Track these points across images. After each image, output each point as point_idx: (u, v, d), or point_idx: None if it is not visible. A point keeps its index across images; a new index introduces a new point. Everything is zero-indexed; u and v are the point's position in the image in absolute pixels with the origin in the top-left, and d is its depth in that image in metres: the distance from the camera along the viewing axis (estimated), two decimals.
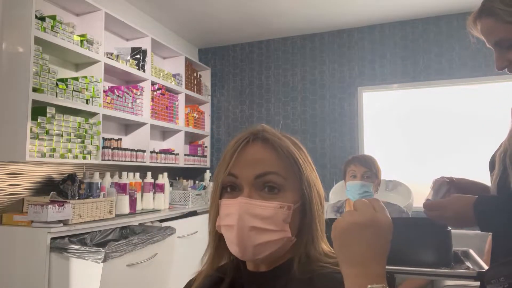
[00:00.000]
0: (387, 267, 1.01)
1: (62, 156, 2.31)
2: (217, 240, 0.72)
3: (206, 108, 4.20)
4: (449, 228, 1.10)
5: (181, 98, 3.67)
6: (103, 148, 2.68)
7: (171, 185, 3.37)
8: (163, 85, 3.39)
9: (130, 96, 2.97)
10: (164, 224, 2.69)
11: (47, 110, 2.22)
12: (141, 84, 3.14)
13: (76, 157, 2.40)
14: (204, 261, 0.74)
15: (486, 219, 0.93)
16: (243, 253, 0.65)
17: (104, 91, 2.72)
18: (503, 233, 0.92)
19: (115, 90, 2.84)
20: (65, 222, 2.09)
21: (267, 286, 0.68)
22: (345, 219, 0.56)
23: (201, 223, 3.05)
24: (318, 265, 0.65)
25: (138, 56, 3.11)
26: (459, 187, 1.14)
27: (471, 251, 1.18)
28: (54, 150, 2.26)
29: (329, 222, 1.27)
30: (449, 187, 1.13)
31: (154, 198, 3.07)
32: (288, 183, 0.67)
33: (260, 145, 0.68)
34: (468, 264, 1.12)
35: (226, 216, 0.66)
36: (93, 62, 2.65)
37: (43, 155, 2.19)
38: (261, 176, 0.66)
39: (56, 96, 2.29)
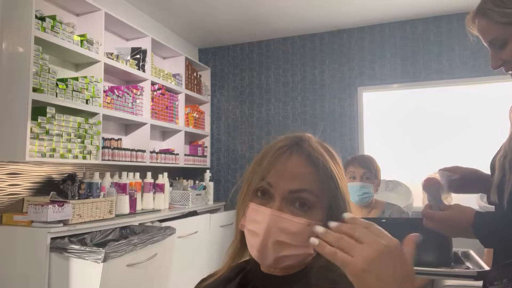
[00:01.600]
0: None
1: (62, 156, 2.31)
2: (241, 237, 0.73)
3: (206, 108, 4.20)
4: None
5: (181, 98, 3.67)
6: (103, 148, 2.68)
7: (171, 185, 3.37)
8: (163, 85, 3.39)
9: (130, 96, 2.97)
10: (164, 224, 2.69)
11: (47, 110, 2.22)
12: (141, 84, 3.14)
13: (76, 157, 2.40)
14: (228, 254, 0.76)
15: (486, 238, 0.93)
16: (262, 260, 0.67)
17: (104, 91, 2.72)
18: (504, 243, 0.92)
19: (115, 90, 2.84)
20: (65, 222, 2.09)
21: None
22: (358, 260, 0.50)
23: (201, 223, 3.05)
24: (338, 274, 0.62)
25: (138, 56, 3.11)
26: (454, 184, 1.12)
27: (471, 252, 1.18)
28: (54, 150, 2.26)
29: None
30: (443, 186, 1.12)
31: (154, 198, 3.07)
32: (320, 200, 0.67)
33: (302, 158, 0.68)
34: (468, 264, 1.12)
35: (253, 221, 0.67)
36: (93, 62, 2.65)
37: (43, 155, 2.19)
38: (295, 192, 0.66)
39: (56, 96, 2.29)
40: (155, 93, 3.29)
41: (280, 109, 4.00)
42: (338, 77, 3.83)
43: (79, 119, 2.43)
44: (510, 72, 0.98)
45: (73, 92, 2.41)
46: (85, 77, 2.53)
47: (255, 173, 0.69)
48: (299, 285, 0.66)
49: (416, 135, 3.52)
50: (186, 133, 3.78)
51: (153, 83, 3.24)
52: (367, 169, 1.95)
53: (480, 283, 0.96)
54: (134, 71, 3.01)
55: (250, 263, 0.75)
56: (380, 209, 2.00)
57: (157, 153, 3.29)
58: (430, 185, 1.06)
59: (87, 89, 2.52)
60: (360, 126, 3.71)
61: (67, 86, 2.37)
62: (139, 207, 2.90)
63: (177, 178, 3.64)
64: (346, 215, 0.57)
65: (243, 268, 0.76)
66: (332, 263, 0.61)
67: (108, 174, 2.69)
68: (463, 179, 1.12)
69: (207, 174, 3.82)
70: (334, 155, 0.72)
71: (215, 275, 0.77)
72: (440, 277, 1.47)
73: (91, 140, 2.52)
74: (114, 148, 2.80)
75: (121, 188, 2.67)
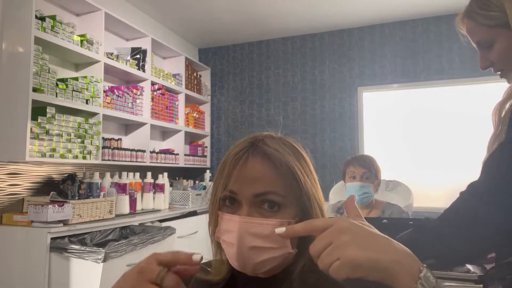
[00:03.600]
0: None
1: (62, 156, 2.31)
2: (220, 249, 0.72)
3: (206, 108, 4.20)
4: None
5: (181, 98, 3.67)
6: (103, 148, 2.68)
7: (171, 185, 3.37)
8: (163, 85, 3.39)
9: (130, 96, 2.97)
10: (164, 224, 2.69)
11: (47, 110, 2.22)
12: (141, 84, 3.14)
13: (76, 157, 2.40)
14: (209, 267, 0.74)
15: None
16: (243, 268, 0.66)
17: (104, 91, 2.72)
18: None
19: (115, 90, 2.84)
20: (65, 222, 2.09)
21: None
22: (345, 256, 0.51)
23: (201, 223, 3.05)
24: (322, 274, 0.63)
25: (138, 56, 3.11)
26: None
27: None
28: (54, 150, 2.26)
29: None
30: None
31: (154, 198, 3.07)
32: (287, 200, 0.66)
33: (260, 160, 0.67)
34: (468, 266, 1.12)
35: (226, 231, 0.66)
36: (93, 62, 2.65)
37: (43, 155, 2.19)
38: (260, 195, 0.65)
39: (56, 96, 2.29)
40: (155, 93, 3.29)
41: (280, 109, 4.00)
42: (338, 77, 3.83)
43: (79, 119, 2.43)
44: (498, 72, 1.00)
45: (73, 92, 2.41)
46: (85, 77, 2.53)
47: (218, 183, 0.69)
48: (286, 283, 0.66)
49: (416, 135, 3.52)
50: (186, 133, 3.78)
51: (153, 83, 3.24)
52: (367, 169, 1.95)
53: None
54: (134, 71, 3.01)
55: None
56: (380, 209, 1.99)
57: (157, 153, 3.29)
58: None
59: (87, 89, 2.52)
60: (360, 126, 3.71)
61: (67, 86, 2.37)
62: (139, 207, 2.90)
63: (177, 178, 3.64)
64: (278, 231, 0.58)
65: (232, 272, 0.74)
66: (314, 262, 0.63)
67: (108, 174, 2.69)
68: None
69: (207, 174, 3.82)
70: (297, 150, 0.71)
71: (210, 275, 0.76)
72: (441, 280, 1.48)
73: (91, 140, 2.52)
74: (114, 148, 2.80)
75: (121, 188, 2.67)
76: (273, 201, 0.65)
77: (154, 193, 3.08)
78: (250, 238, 0.63)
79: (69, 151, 2.36)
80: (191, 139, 4.12)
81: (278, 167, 0.66)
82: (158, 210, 2.99)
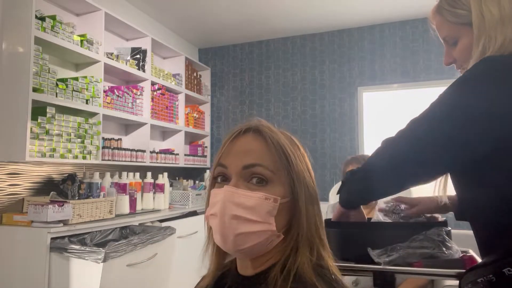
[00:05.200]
0: (386, 267, 1.01)
1: (62, 156, 2.31)
2: (211, 235, 0.72)
3: (206, 108, 4.20)
4: (449, 228, 1.11)
5: (181, 98, 3.67)
6: (103, 148, 2.68)
7: (171, 185, 3.37)
8: (163, 85, 3.39)
9: (130, 96, 2.97)
10: (164, 224, 2.69)
11: (47, 110, 2.22)
12: (141, 84, 3.14)
13: (76, 157, 2.40)
14: (207, 257, 0.75)
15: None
16: (224, 242, 0.64)
17: (104, 91, 2.72)
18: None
19: (115, 90, 2.84)
20: (65, 222, 2.09)
21: None
22: None
23: (201, 223, 3.04)
24: (304, 274, 0.62)
25: (138, 56, 3.11)
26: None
27: (471, 251, 1.18)
28: (54, 150, 2.26)
29: (328, 223, 1.26)
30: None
31: (154, 198, 3.07)
32: (276, 176, 0.65)
33: (251, 136, 0.68)
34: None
35: (212, 205, 0.66)
36: (93, 62, 2.65)
37: (43, 155, 2.19)
38: (248, 167, 0.65)
39: (56, 96, 2.29)
40: (155, 93, 3.29)
41: (280, 109, 4.00)
42: (338, 77, 3.83)
43: (79, 119, 2.43)
44: (459, 69, 1.01)
45: (73, 92, 2.41)
46: (85, 77, 2.53)
47: (214, 163, 0.70)
48: (264, 286, 0.64)
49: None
50: (186, 133, 3.78)
51: (153, 83, 3.24)
52: None
53: None
54: (134, 71, 3.01)
55: (233, 262, 0.74)
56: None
57: (157, 153, 3.29)
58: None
59: (87, 89, 2.52)
60: (360, 126, 3.71)
61: (67, 86, 2.37)
62: (139, 207, 2.90)
63: (177, 178, 3.64)
64: None
65: (226, 269, 0.74)
66: (301, 258, 0.63)
67: (108, 174, 2.69)
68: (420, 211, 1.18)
69: (207, 174, 3.82)
70: (291, 137, 0.71)
71: (206, 277, 0.76)
72: (433, 277, 1.47)
73: (91, 140, 2.52)
74: (114, 148, 2.80)
75: (121, 188, 2.67)
76: (261, 174, 0.64)
77: (154, 193, 3.08)
78: (233, 207, 0.63)
79: (69, 151, 2.36)
80: (191, 139, 4.12)
81: (269, 142, 0.66)
82: (158, 210, 2.99)
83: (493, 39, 0.88)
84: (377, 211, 1.23)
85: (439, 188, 1.03)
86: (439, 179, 1.02)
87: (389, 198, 1.20)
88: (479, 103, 0.81)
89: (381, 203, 1.24)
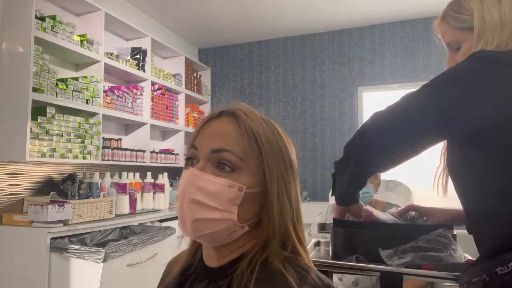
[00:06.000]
0: (395, 268, 1.01)
1: (62, 156, 2.31)
2: None
3: (206, 108, 4.20)
4: (455, 232, 1.10)
5: (181, 98, 3.67)
6: (103, 148, 2.68)
7: (171, 185, 3.37)
8: (163, 85, 3.39)
9: (130, 96, 2.97)
10: (164, 224, 2.69)
11: (47, 110, 2.22)
12: (141, 84, 3.14)
13: (76, 157, 2.40)
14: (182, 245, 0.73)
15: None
16: (183, 226, 0.62)
17: (104, 91, 2.72)
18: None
19: (115, 90, 2.84)
20: (65, 222, 2.09)
21: (216, 284, 0.63)
22: None
23: None
24: (272, 263, 0.60)
25: (138, 56, 3.11)
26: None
27: (466, 255, 1.18)
28: (54, 150, 2.26)
29: (325, 225, 1.26)
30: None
31: (154, 198, 3.07)
32: (246, 164, 0.62)
33: (227, 119, 0.65)
34: None
35: (179, 187, 0.64)
36: (93, 62, 2.65)
37: (43, 155, 2.19)
38: (216, 151, 0.62)
39: (56, 96, 2.29)
40: (155, 93, 3.29)
41: (280, 109, 4.00)
42: (338, 77, 3.83)
43: (79, 119, 2.43)
44: None
45: (73, 92, 2.41)
46: (85, 77, 2.53)
47: (188, 143, 0.67)
48: (228, 279, 0.61)
49: None
50: (186, 133, 3.78)
51: (153, 83, 3.24)
52: None
53: None
54: (134, 71, 3.01)
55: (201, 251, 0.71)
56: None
57: (157, 153, 3.29)
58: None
59: (87, 89, 2.52)
60: (360, 126, 3.70)
61: (67, 86, 2.37)
62: (139, 207, 2.90)
63: (177, 178, 3.64)
64: None
65: (194, 258, 0.72)
66: (270, 251, 0.61)
67: (108, 174, 2.69)
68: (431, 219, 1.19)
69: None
70: (274, 126, 0.68)
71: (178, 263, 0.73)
72: (440, 280, 1.47)
73: (91, 140, 2.52)
74: (114, 148, 2.80)
75: (121, 188, 2.67)
76: (228, 160, 0.61)
77: (154, 193, 3.08)
78: (194, 190, 0.60)
79: (69, 151, 2.36)
80: None
81: (242, 128, 0.63)
82: (158, 210, 2.99)
83: (489, 41, 0.92)
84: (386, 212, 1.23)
85: (439, 185, 1.03)
86: (438, 176, 1.03)
87: (399, 208, 1.22)
88: (468, 88, 0.85)
89: (392, 209, 1.25)
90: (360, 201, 1.10)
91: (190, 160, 0.65)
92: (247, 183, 0.61)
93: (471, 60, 0.88)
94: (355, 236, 1.10)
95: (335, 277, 1.79)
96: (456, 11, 1.00)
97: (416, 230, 1.08)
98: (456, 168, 0.98)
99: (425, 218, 1.20)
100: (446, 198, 1.11)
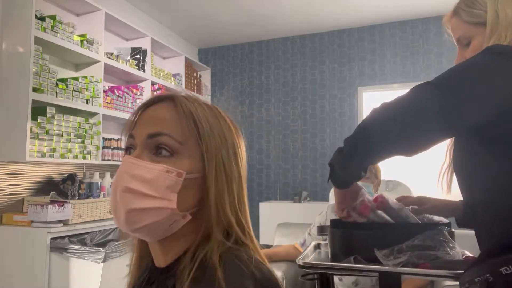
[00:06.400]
0: (393, 268, 1.01)
1: (62, 156, 2.31)
2: None
3: None
4: (453, 230, 1.11)
5: None
6: (103, 148, 2.68)
7: None
8: (163, 85, 3.39)
9: (130, 96, 2.97)
10: None
11: (47, 110, 2.22)
12: (141, 84, 3.14)
13: (76, 157, 2.40)
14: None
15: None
16: (117, 219, 0.58)
17: (104, 91, 2.73)
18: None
19: (115, 90, 2.84)
20: (65, 222, 2.09)
21: (163, 286, 0.59)
22: None
23: None
24: (209, 258, 0.55)
25: (138, 56, 3.11)
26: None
27: (466, 252, 1.18)
28: (54, 150, 2.26)
29: (324, 228, 1.26)
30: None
31: None
32: (184, 148, 0.58)
33: (164, 105, 0.61)
34: None
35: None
36: (93, 62, 2.65)
37: (43, 155, 2.19)
38: (153, 136, 0.58)
39: (56, 96, 2.29)
40: (155, 93, 3.29)
41: (280, 109, 4.00)
42: (338, 77, 3.83)
43: (79, 119, 2.43)
44: None
45: (73, 92, 2.41)
46: (85, 77, 2.53)
47: (125, 135, 0.63)
48: (173, 279, 0.57)
49: None
50: None
51: (153, 83, 3.24)
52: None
53: None
54: (134, 71, 3.01)
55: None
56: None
57: None
58: (384, 208, 1.16)
59: (87, 89, 2.52)
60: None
61: (67, 86, 2.37)
62: None
63: None
64: None
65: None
66: (213, 243, 0.56)
67: (108, 174, 2.69)
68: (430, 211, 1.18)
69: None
70: (216, 109, 0.64)
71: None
72: (440, 278, 1.48)
73: (91, 140, 2.52)
74: (114, 148, 2.80)
75: None
76: (165, 144, 0.57)
77: None
78: (128, 179, 0.56)
79: (69, 151, 2.36)
80: None
81: (180, 111, 0.59)
82: None
83: (502, 38, 0.91)
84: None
85: (444, 182, 1.02)
86: (443, 173, 1.02)
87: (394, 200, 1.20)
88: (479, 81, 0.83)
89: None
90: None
91: (128, 150, 0.61)
92: (187, 168, 0.57)
93: (485, 54, 0.86)
94: (353, 237, 1.10)
95: (335, 277, 1.79)
96: (469, 5, 0.99)
97: (413, 228, 1.08)
98: (463, 164, 0.97)
99: (415, 206, 1.19)
100: (449, 195, 1.10)
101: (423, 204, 1.18)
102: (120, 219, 0.57)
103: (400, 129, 0.89)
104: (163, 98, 0.62)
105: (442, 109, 0.82)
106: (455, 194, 1.06)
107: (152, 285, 0.61)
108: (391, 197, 1.20)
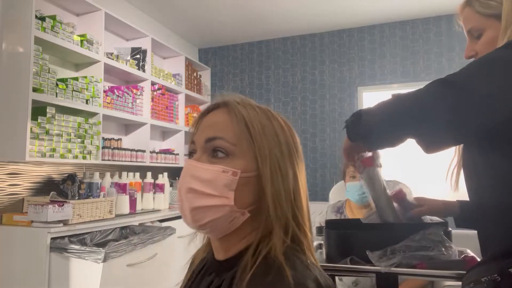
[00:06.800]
0: (390, 268, 1.01)
1: (62, 156, 2.31)
2: None
3: None
4: (450, 229, 1.11)
5: (181, 98, 3.67)
6: (103, 148, 2.68)
7: (171, 185, 3.37)
8: (163, 85, 3.39)
9: (130, 96, 2.97)
10: (164, 224, 2.69)
11: (47, 110, 2.22)
12: (141, 84, 3.14)
13: (76, 157, 2.40)
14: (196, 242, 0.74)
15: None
16: (184, 216, 0.64)
17: (104, 91, 2.72)
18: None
19: (115, 90, 2.84)
20: (65, 222, 2.09)
21: (221, 277, 0.63)
22: None
23: None
24: (274, 256, 0.58)
25: (138, 56, 3.11)
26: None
27: (468, 251, 1.18)
28: (54, 150, 2.26)
29: (323, 228, 1.25)
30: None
31: (154, 198, 3.07)
32: (239, 149, 0.63)
33: (220, 110, 0.67)
34: None
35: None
36: (93, 62, 2.65)
37: (43, 155, 2.19)
38: (210, 140, 0.64)
39: (56, 96, 2.29)
40: (155, 93, 3.29)
41: (280, 109, 4.00)
42: (338, 77, 3.83)
43: (79, 119, 2.43)
44: None
45: (73, 92, 2.41)
46: (85, 77, 2.53)
47: (189, 142, 0.70)
48: (232, 271, 0.61)
49: None
50: (186, 133, 3.78)
51: (153, 83, 3.24)
52: None
53: None
54: (134, 71, 3.01)
55: None
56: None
57: (157, 153, 3.29)
58: (399, 199, 1.15)
59: (87, 89, 2.52)
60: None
61: (67, 86, 2.37)
62: (139, 207, 2.90)
63: (177, 178, 3.64)
64: None
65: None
66: (272, 240, 0.60)
67: (108, 174, 2.69)
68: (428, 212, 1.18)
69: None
70: (269, 111, 0.68)
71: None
72: (436, 278, 1.48)
73: (91, 140, 2.52)
74: (114, 148, 2.80)
75: (121, 188, 2.67)
76: (221, 146, 0.63)
77: (154, 193, 3.08)
78: (190, 180, 0.62)
79: (69, 151, 2.36)
80: None
81: (232, 115, 0.64)
82: (158, 210, 2.99)
83: None
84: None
85: (452, 179, 1.01)
86: (452, 170, 1.01)
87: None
88: (494, 84, 0.79)
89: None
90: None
91: (191, 155, 0.68)
92: (242, 167, 0.62)
93: (508, 49, 0.82)
94: (348, 238, 1.10)
95: (336, 277, 1.79)
96: None
97: (408, 229, 1.08)
98: (473, 164, 0.95)
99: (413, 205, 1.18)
100: (457, 193, 1.09)
101: (421, 206, 1.17)
102: (186, 216, 0.63)
103: (410, 124, 0.86)
104: (219, 105, 0.67)
105: (453, 109, 0.80)
106: (463, 193, 1.05)
107: (210, 276, 0.66)
108: (411, 193, 1.20)
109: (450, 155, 1.09)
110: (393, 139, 0.92)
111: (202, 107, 4.13)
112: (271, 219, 0.61)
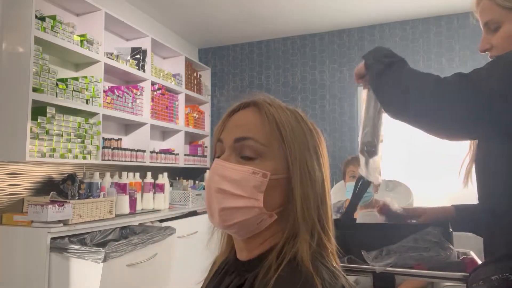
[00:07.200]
0: (387, 268, 1.01)
1: (62, 156, 2.31)
2: None
3: (206, 108, 4.20)
4: (450, 230, 1.10)
5: (181, 98, 3.67)
6: (103, 148, 2.68)
7: (171, 185, 3.37)
8: (163, 85, 3.39)
9: (130, 96, 2.97)
10: (164, 224, 2.69)
11: (47, 110, 2.22)
12: (141, 84, 3.14)
13: (76, 157, 2.40)
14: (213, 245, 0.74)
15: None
16: (211, 216, 0.63)
17: (104, 91, 2.72)
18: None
19: (115, 90, 2.84)
20: (65, 222, 2.09)
21: (242, 277, 0.62)
22: None
23: (201, 223, 3.05)
24: (301, 261, 0.57)
25: (138, 56, 3.11)
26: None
27: (472, 253, 1.18)
28: (54, 150, 2.26)
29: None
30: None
31: (154, 198, 3.07)
32: (269, 151, 0.62)
33: (249, 109, 0.65)
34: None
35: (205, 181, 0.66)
36: (93, 62, 2.65)
37: (43, 155, 2.19)
38: (239, 140, 0.62)
39: (56, 96, 2.29)
40: (155, 93, 3.29)
41: None
42: (338, 77, 3.83)
43: (79, 119, 2.43)
44: (493, 58, 0.97)
45: (73, 92, 2.41)
46: (85, 77, 2.53)
47: (215, 138, 0.68)
48: (255, 272, 0.60)
49: (416, 135, 3.52)
50: (186, 133, 3.78)
51: (153, 83, 3.24)
52: None
53: None
54: (134, 71, 3.01)
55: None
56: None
57: (157, 153, 3.29)
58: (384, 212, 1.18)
59: (87, 89, 2.52)
60: (360, 126, 3.70)
61: (67, 86, 2.37)
62: (139, 207, 2.90)
63: (177, 178, 3.64)
64: None
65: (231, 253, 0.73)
66: (297, 243, 0.59)
67: (108, 174, 2.69)
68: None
69: (207, 174, 3.81)
70: (298, 113, 0.67)
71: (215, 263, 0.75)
72: (432, 279, 1.48)
73: (91, 140, 2.52)
74: (114, 148, 2.80)
75: (121, 188, 2.67)
76: (251, 147, 0.61)
77: (154, 193, 3.08)
78: (219, 180, 0.61)
79: (69, 151, 2.36)
80: (191, 139, 4.12)
81: (263, 115, 0.63)
82: (158, 210, 2.99)
83: None
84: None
85: (464, 174, 1.01)
86: (466, 165, 1.01)
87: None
88: None
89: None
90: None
91: (218, 154, 0.66)
92: (272, 169, 0.61)
93: None
94: (346, 238, 1.10)
95: None
96: None
97: (406, 229, 1.08)
98: (488, 162, 0.94)
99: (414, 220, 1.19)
100: (466, 189, 1.08)
101: (418, 217, 1.18)
102: (214, 216, 0.62)
103: (429, 106, 0.87)
104: (248, 104, 0.66)
105: (470, 107, 0.80)
106: (469, 191, 1.05)
107: (231, 276, 0.66)
108: (394, 203, 1.20)
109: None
110: (408, 107, 0.93)
111: (202, 108, 4.15)
112: (298, 222, 0.60)
